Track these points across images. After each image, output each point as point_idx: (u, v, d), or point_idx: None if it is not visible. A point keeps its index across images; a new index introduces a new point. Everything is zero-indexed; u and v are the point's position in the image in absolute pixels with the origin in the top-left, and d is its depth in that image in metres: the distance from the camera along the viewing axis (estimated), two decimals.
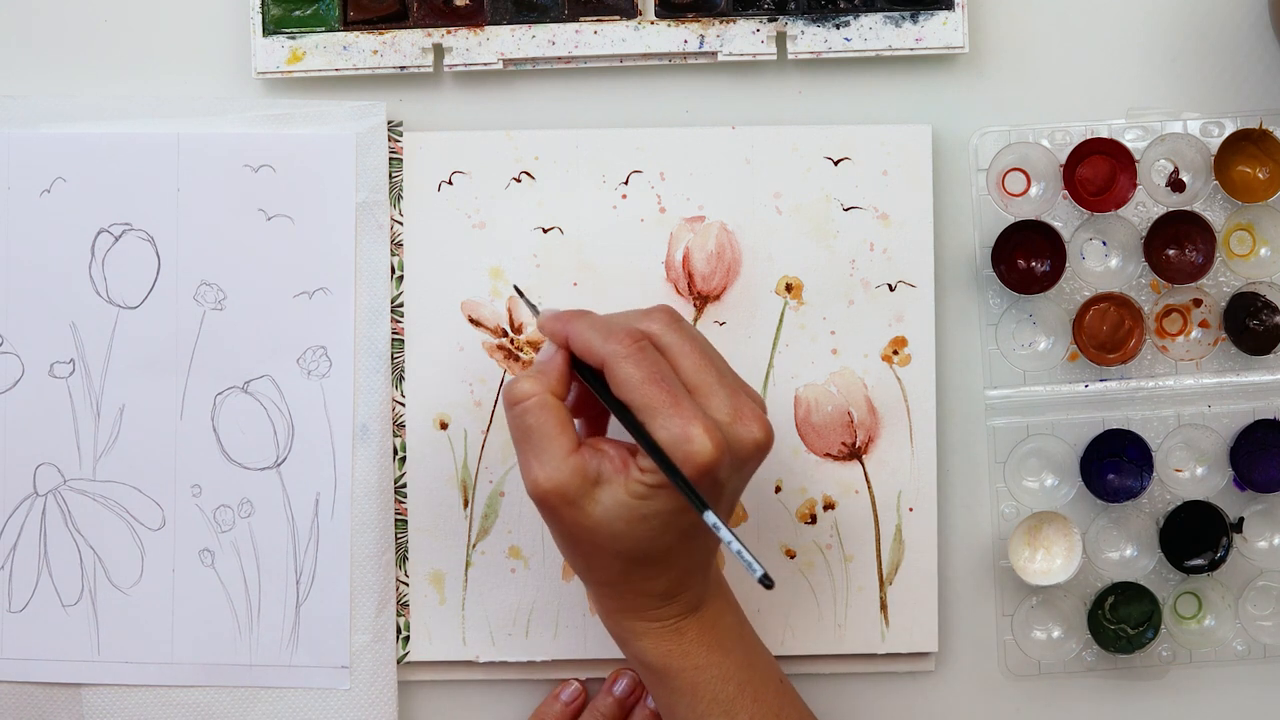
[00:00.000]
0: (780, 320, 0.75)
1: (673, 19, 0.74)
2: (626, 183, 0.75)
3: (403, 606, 0.75)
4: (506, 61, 0.75)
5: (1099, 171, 0.75)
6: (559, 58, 0.75)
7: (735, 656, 0.67)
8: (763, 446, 0.63)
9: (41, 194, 0.74)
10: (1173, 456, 0.76)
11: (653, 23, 0.74)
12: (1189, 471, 0.76)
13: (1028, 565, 0.75)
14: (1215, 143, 0.75)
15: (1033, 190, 0.76)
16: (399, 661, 0.75)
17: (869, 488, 0.75)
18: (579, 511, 0.62)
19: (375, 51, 0.74)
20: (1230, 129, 0.75)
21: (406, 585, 0.75)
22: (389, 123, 0.75)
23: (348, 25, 0.74)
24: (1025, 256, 0.75)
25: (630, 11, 0.74)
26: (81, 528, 0.75)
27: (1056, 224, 0.75)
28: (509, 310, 0.75)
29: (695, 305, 0.75)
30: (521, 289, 0.72)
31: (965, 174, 0.76)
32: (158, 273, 0.74)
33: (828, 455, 0.75)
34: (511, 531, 0.75)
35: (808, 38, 0.74)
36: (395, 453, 0.75)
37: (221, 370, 0.74)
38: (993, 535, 0.76)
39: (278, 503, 0.74)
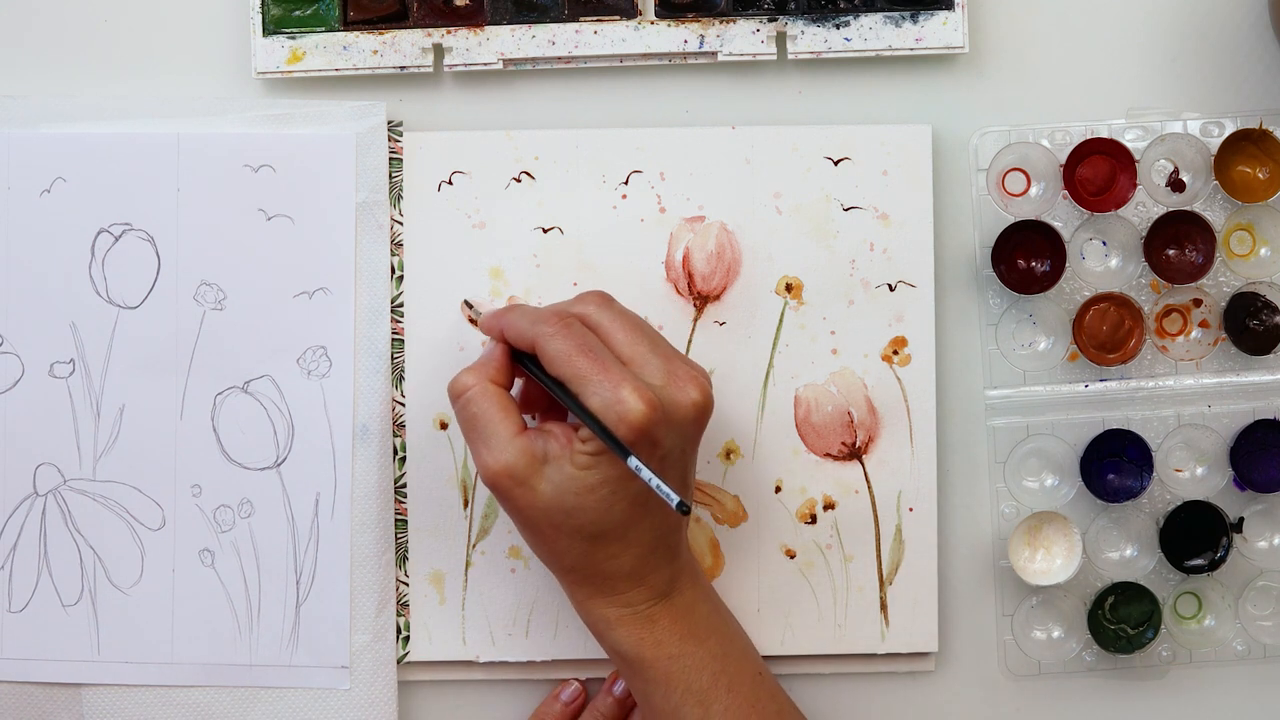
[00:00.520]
0: (780, 320, 0.75)
1: (673, 19, 0.74)
2: (626, 183, 0.75)
3: (403, 606, 0.75)
4: (506, 61, 0.75)
5: (1099, 171, 0.75)
6: (559, 58, 0.75)
7: (709, 646, 0.67)
8: (701, 407, 0.65)
9: (41, 194, 0.74)
10: (1173, 456, 0.76)
11: (653, 23, 0.74)
12: (1189, 471, 0.76)
13: (1028, 565, 0.75)
14: (1215, 143, 0.74)
15: (1033, 190, 0.76)
16: (399, 661, 0.75)
17: (869, 488, 0.75)
18: (530, 491, 0.64)
19: (375, 51, 0.74)
20: (1230, 129, 0.75)
21: (406, 585, 0.75)
22: (389, 123, 0.75)
23: (348, 25, 0.74)
24: (1025, 256, 0.75)
25: (630, 11, 0.74)
26: (81, 528, 0.74)
27: (1056, 224, 0.75)
28: None
29: (695, 305, 0.75)
30: (472, 302, 0.73)
31: (965, 174, 0.76)
32: (158, 273, 0.74)
33: (828, 455, 0.75)
34: (511, 531, 0.75)
35: (808, 38, 0.74)
36: (395, 453, 0.75)
37: (221, 370, 0.74)
38: (993, 535, 0.76)
39: (278, 503, 0.74)
